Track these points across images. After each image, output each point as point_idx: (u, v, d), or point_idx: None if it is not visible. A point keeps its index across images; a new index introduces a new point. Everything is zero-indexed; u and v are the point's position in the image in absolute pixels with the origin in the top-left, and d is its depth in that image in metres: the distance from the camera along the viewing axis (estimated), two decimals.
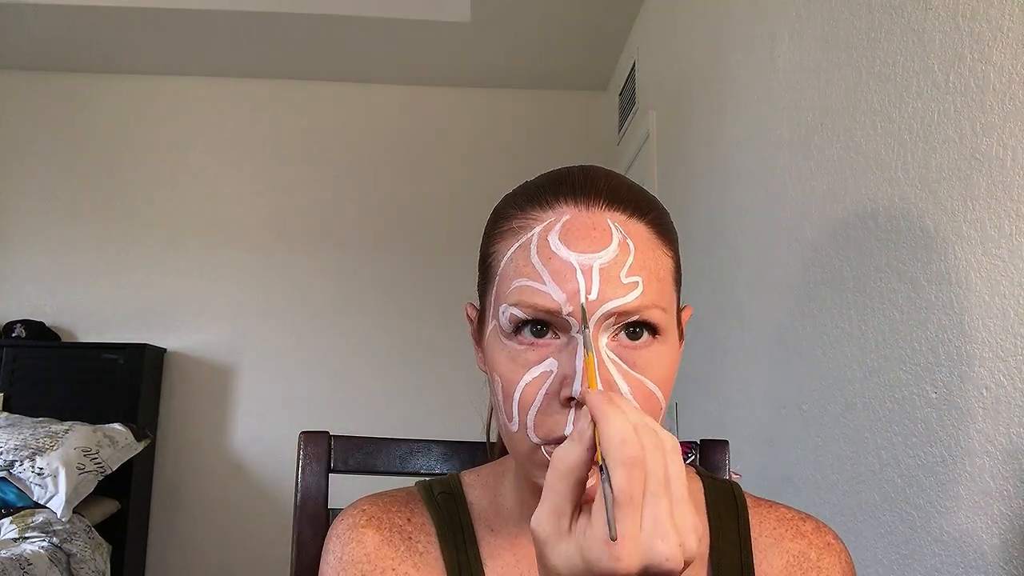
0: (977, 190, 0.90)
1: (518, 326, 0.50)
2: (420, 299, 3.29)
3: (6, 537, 2.21)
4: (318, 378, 3.26)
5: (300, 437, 0.79)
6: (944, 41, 0.97)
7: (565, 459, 0.40)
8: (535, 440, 0.49)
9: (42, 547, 2.13)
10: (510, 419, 0.50)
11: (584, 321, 0.48)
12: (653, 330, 0.50)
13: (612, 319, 0.49)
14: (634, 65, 2.92)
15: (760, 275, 1.59)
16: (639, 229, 0.52)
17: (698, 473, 0.63)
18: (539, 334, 0.50)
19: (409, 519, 0.59)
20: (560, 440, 0.48)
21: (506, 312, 0.50)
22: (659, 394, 0.50)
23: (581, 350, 0.48)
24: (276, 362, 3.27)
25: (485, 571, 0.57)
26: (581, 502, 0.40)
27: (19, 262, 3.25)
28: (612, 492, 0.37)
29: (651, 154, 2.53)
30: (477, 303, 0.59)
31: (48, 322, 3.16)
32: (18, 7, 2.86)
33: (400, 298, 3.30)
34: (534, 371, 0.49)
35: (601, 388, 0.46)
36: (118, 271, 3.27)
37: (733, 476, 0.79)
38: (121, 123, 3.40)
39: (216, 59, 3.31)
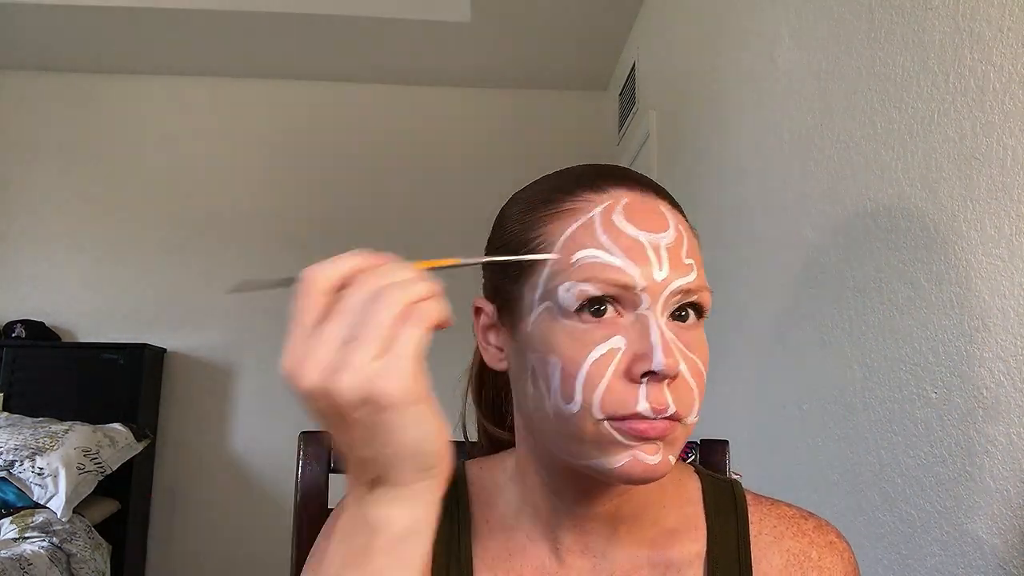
0: (977, 190, 0.90)
1: (583, 304, 0.49)
2: None
3: (6, 537, 2.21)
4: None
5: (300, 437, 0.79)
6: (944, 41, 0.97)
7: (311, 275, 0.43)
8: (599, 417, 0.48)
9: (42, 547, 2.13)
10: (569, 399, 0.49)
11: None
12: (700, 312, 0.52)
13: (679, 297, 0.50)
14: (634, 65, 2.92)
15: (760, 275, 1.59)
16: (680, 218, 0.54)
17: (697, 472, 0.63)
18: (599, 313, 0.50)
19: None
20: (632, 416, 0.48)
21: (572, 289, 0.49)
22: (705, 371, 0.52)
23: (655, 326, 0.48)
24: (276, 362, 3.19)
25: (473, 559, 0.57)
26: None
27: (19, 262, 3.25)
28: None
29: (651, 154, 2.53)
30: (483, 299, 0.59)
31: (48, 322, 3.16)
32: (18, 7, 2.86)
33: None
34: (600, 348, 0.49)
35: (666, 360, 0.47)
36: (118, 271, 3.27)
37: (733, 476, 0.79)
38: (121, 123, 3.40)
39: (216, 59, 3.31)
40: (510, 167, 3.29)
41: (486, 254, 0.58)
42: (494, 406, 0.68)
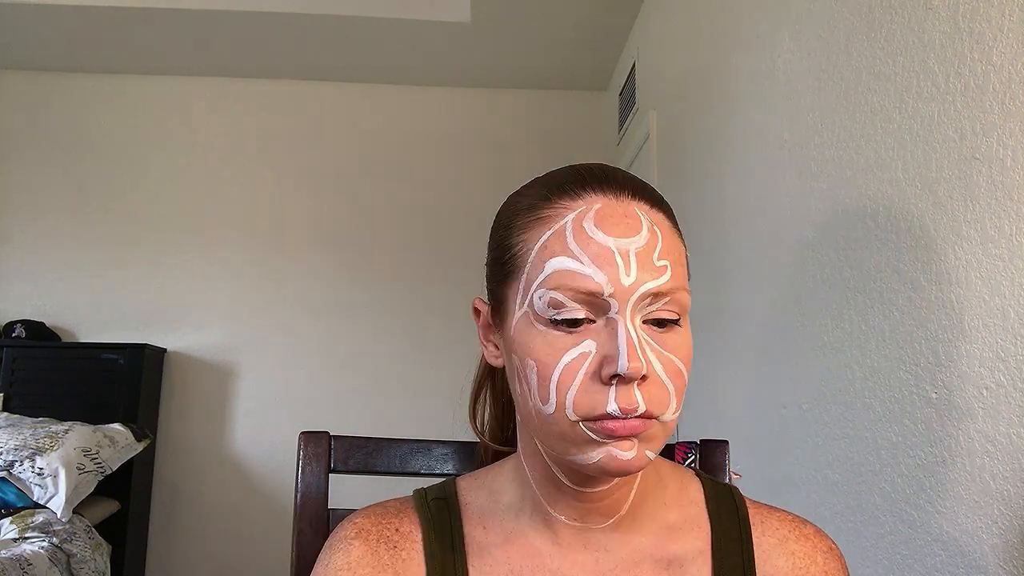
0: (977, 190, 0.90)
1: (557, 312, 0.51)
2: (420, 299, 3.29)
3: (6, 537, 2.21)
4: (318, 378, 3.26)
5: (300, 437, 0.79)
6: (944, 41, 0.97)
7: None
8: (573, 418, 0.51)
9: (42, 547, 2.13)
10: (546, 401, 0.52)
11: None
12: (676, 319, 0.53)
13: (648, 300, 0.51)
14: (634, 65, 2.92)
15: (760, 275, 1.59)
16: (661, 218, 0.55)
17: (698, 475, 0.64)
18: (575, 324, 0.51)
19: (398, 529, 0.61)
20: (601, 417, 0.50)
21: (544, 296, 0.52)
22: (685, 372, 0.53)
23: (623, 330, 0.50)
24: (276, 362, 3.27)
25: (469, 571, 0.58)
26: None
27: (19, 262, 3.26)
28: None
29: (651, 154, 2.53)
30: (485, 298, 0.60)
31: (48, 322, 3.16)
32: (18, 7, 2.86)
33: (400, 298, 3.30)
34: (572, 353, 0.51)
35: (645, 366, 0.50)
36: (118, 271, 3.27)
37: (733, 476, 0.79)
38: (121, 123, 3.40)
39: (216, 59, 3.31)
40: (510, 167, 3.30)
41: (488, 254, 0.60)
42: (502, 406, 0.70)
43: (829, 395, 1.26)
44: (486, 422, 0.71)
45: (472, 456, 0.79)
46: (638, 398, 0.50)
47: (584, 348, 0.51)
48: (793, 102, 1.43)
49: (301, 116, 3.46)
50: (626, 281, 0.50)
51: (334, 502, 0.78)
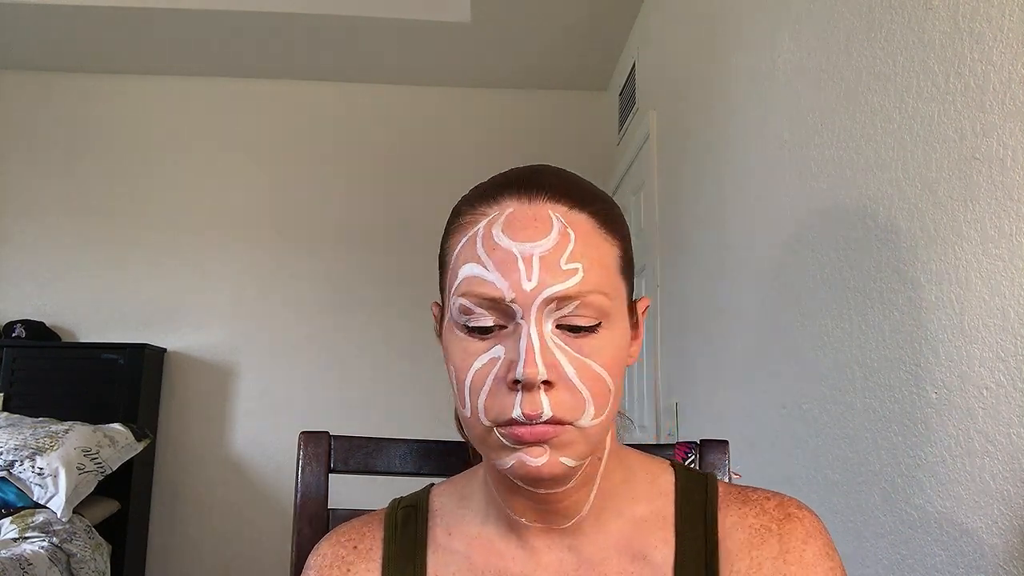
0: (977, 190, 0.90)
1: (468, 318, 0.52)
2: (420, 299, 3.28)
3: (6, 537, 2.21)
4: (318, 378, 3.26)
5: (300, 437, 0.79)
6: (944, 41, 0.97)
7: None
8: (486, 423, 0.52)
9: (42, 547, 2.13)
10: (463, 405, 0.53)
11: None
12: (591, 325, 0.52)
13: (554, 304, 0.51)
14: (634, 65, 2.92)
15: (760, 275, 1.59)
16: (580, 219, 0.54)
17: (673, 466, 0.64)
18: (486, 332, 0.52)
19: (356, 547, 0.61)
20: (509, 423, 0.50)
21: (456, 303, 0.53)
22: (607, 377, 0.52)
23: (526, 335, 0.50)
24: (276, 362, 3.27)
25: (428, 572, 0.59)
26: None
27: (19, 262, 3.26)
28: None
29: (651, 154, 2.53)
30: (436, 303, 0.62)
31: (48, 322, 3.16)
32: (18, 7, 2.86)
33: (400, 298, 3.30)
34: (483, 358, 0.52)
35: (544, 371, 0.49)
36: (118, 271, 3.27)
37: (733, 476, 0.79)
38: (121, 123, 3.40)
39: (216, 59, 3.31)
40: (509, 167, 3.29)
41: None
42: None
43: (829, 395, 1.26)
44: None
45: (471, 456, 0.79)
46: (543, 404, 0.50)
47: (494, 354, 0.52)
48: (793, 102, 1.43)
49: (301, 116, 3.46)
50: (527, 286, 0.50)
51: (334, 502, 0.78)
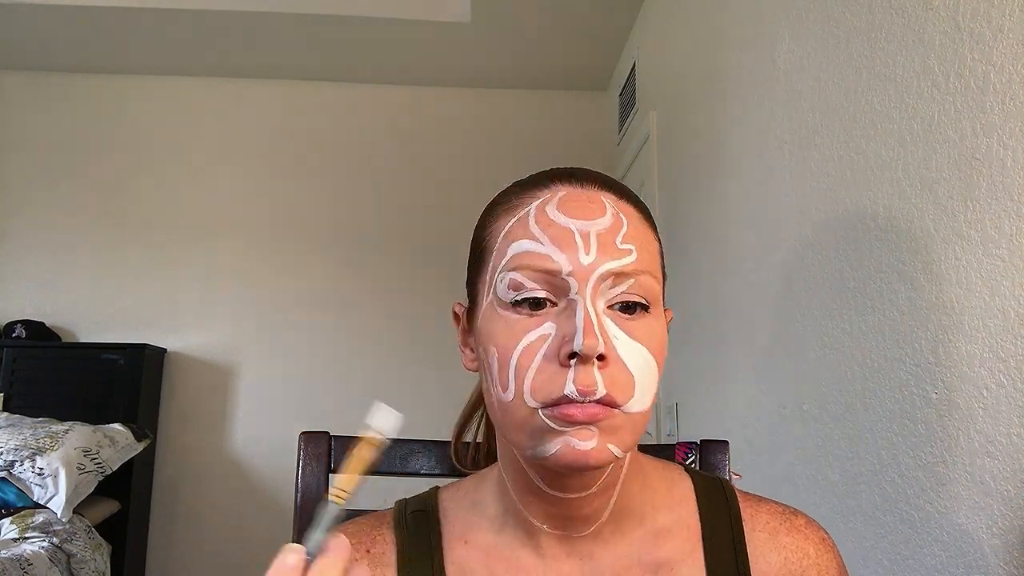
0: (977, 190, 0.90)
1: (518, 293, 0.51)
2: (420, 299, 3.29)
3: (6, 537, 2.21)
4: (318, 378, 3.26)
5: (300, 437, 0.79)
6: (944, 41, 0.97)
7: (283, 563, 0.43)
8: (532, 404, 0.49)
9: (42, 547, 2.13)
10: (505, 388, 0.50)
11: None
12: (645, 305, 0.52)
13: (610, 280, 0.50)
14: (634, 65, 2.92)
15: (760, 275, 1.59)
16: (629, 209, 0.55)
17: (688, 471, 0.63)
18: (535, 306, 0.51)
19: (369, 550, 0.59)
20: (559, 401, 0.48)
21: (505, 278, 0.51)
22: (655, 364, 0.51)
23: (583, 308, 0.49)
24: (276, 362, 3.27)
25: None
26: None
27: (19, 262, 3.26)
28: None
29: (651, 154, 2.53)
30: (460, 303, 0.60)
31: (48, 322, 3.16)
32: (18, 7, 2.86)
33: (400, 298, 3.30)
34: (531, 335, 0.50)
35: (603, 344, 0.48)
36: (118, 271, 3.27)
37: (733, 476, 0.79)
38: (121, 123, 3.40)
39: (216, 59, 3.31)
40: (509, 167, 3.28)
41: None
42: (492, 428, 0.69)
43: (829, 395, 1.26)
44: (479, 444, 0.70)
45: None
46: (597, 379, 0.48)
47: (544, 330, 0.50)
48: (793, 102, 1.43)
49: (301, 116, 3.46)
50: (585, 260, 0.50)
51: None
